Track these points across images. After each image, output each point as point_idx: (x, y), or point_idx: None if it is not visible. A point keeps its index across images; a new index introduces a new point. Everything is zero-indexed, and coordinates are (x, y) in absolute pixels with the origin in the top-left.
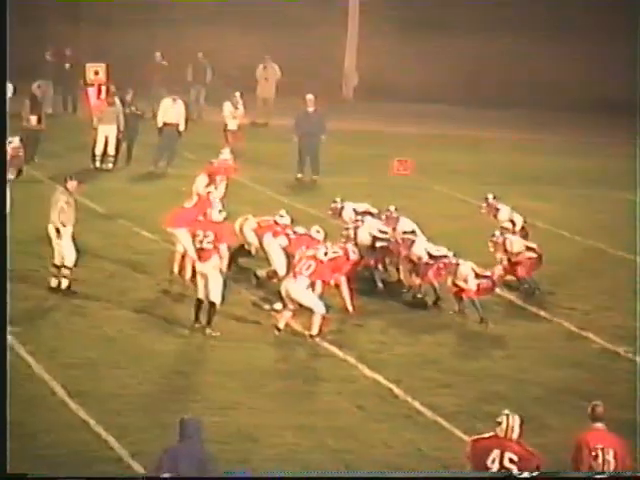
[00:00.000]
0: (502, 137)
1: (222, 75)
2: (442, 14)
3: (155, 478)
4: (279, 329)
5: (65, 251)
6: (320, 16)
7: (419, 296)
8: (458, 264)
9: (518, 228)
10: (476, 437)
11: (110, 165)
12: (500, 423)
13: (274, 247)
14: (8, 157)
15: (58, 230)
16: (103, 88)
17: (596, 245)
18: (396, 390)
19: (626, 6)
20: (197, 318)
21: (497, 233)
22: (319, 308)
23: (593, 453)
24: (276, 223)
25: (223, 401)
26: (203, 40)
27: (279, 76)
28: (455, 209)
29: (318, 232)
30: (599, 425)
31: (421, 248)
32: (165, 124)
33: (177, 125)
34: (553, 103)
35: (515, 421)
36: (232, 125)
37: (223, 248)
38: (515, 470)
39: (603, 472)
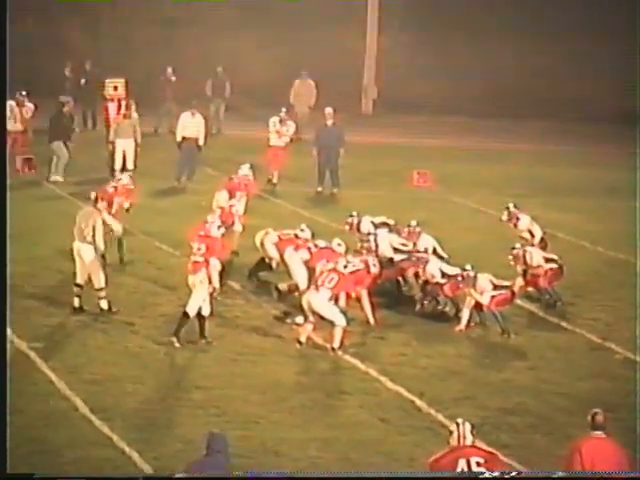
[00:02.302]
0: (522, 149)
1: (240, 90)
2: (461, 26)
3: (155, 478)
4: (301, 342)
5: (101, 272)
6: (338, 29)
7: (439, 308)
8: (476, 277)
9: (537, 240)
10: (434, 458)
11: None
12: (452, 432)
13: (295, 260)
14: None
15: (103, 256)
16: (123, 103)
17: (617, 256)
18: (419, 402)
19: None
20: (201, 333)
21: (517, 246)
22: (340, 321)
23: (587, 462)
24: (297, 237)
25: (245, 415)
26: (222, 54)
27: (315, 91)
28: (475, 221)
29: (339, 245)
30: (599, 433)
31: (435, 267)
32: (184, 138)
33: (196, 139)
34: (574, 114)
35: (466, 428)
36: (276, 142)
37: (213, 262)
38: (485, 471)
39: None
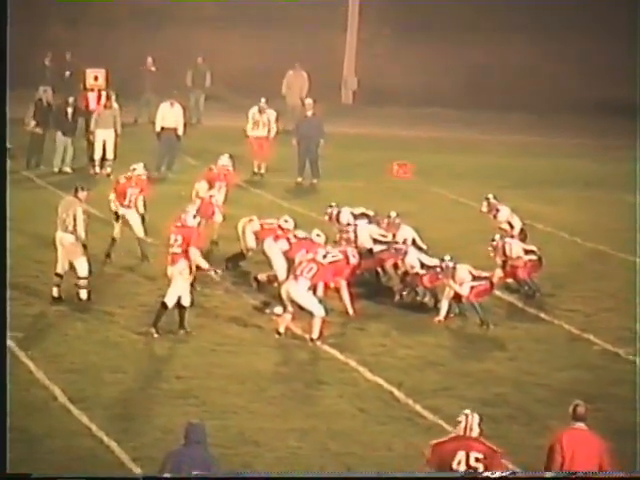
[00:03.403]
0: (502, 140)
1: (221, 80)
2: (441, 17)
3: (154, 478)
4: (279, 333)
5: (83, 262)
6: (319, 20)
7: (418, 299)
8: (455, 268)
9: (517, 231)
10: (436, 441)
11: (109, 169)
12: (460, 422)
13: (275, 251)
14: None
15: (85, 245)
16: (103, 93)
17: (597, 247)
18: (397, 393)
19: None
20: (181, 324)
21: (497, 237)
22: (319, 311)
23: (568, 453)
24: (280, 227)
25: (224, 405)
26: (202, 44)
27: (307, 83)
28: (455, 212)
29: (319, 236)
30: (580, 425)
31: (414, 258)
32: (163, 128)
33: (175, 129)
34: (553, 105)
35: (474, 420)
36: (257, 132)
37: (192, 252)
38: (481, 468)
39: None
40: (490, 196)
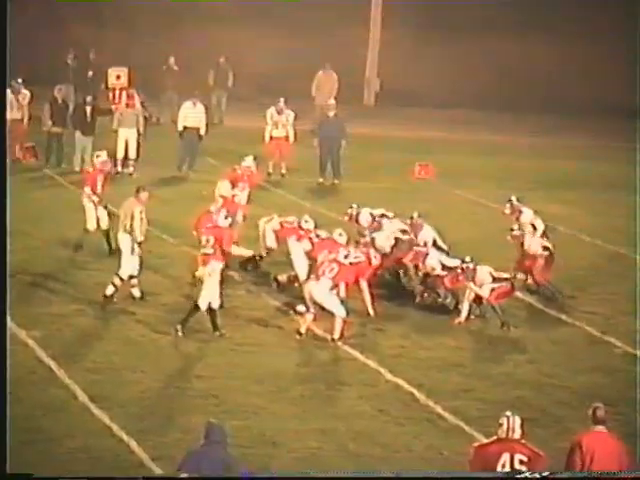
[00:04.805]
0: (523, 141)
1: (243, 80)
2: (462, 18)
3: (153, 478)
4: (300, 333)
5: (129, 263)
6: (342, 21)
7: (439, 300)
8: (475, 269)
9: (539, 233)
10: (479, 443)
11: (132, 169)
12: (501, 425)
13: (297, 251)
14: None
15: (140, 243)
16: (124, 92)
17: (617, 250)
18: (417, 394)
19: None
20: (214, 326)
21: (516, 227)
22: (340, 311)
23: (587, 456)
24: (300, 227)
25: (245, 405)
26: (225, 44)
27: (336, 84)
28: (476, 213)
29: (341, 235)
30: (600, 428)
31: (435, 260)
32: (185, 128)
33: (198, 129)
34: (574, 107)
35: (516, 422)
36: (275, 133)
37: (232, 250)
38: (525, 471)
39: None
40: (513, 198)
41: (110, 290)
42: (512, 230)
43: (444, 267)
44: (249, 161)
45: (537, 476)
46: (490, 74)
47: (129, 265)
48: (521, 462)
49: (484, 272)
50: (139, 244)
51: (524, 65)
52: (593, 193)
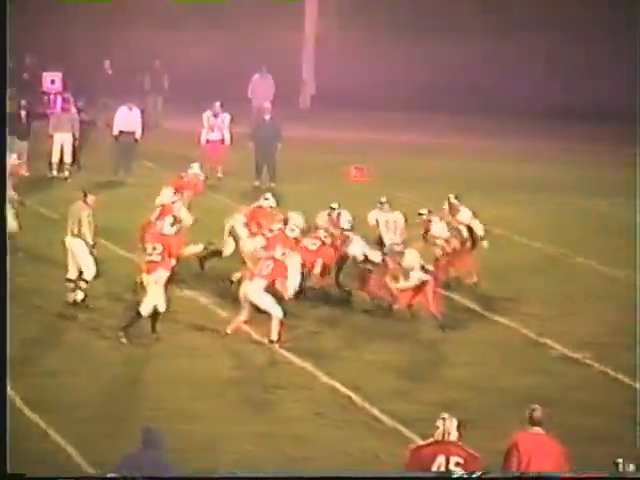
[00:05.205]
0: (459, 144)
1: (180, 84)
2: (399, 22)
3: (153, 478)
4: (227, 333)
5: (90, 264)
6: (277, 24)
7: (377, 303)
8: (403, 253)
9: (479, 236)
10: (415, 445)
11: (67, 173)
12: (438, 427)
13: (249, 248)
14: None
15: (93, 245)
16: (59, 97)
17: (555, 251)
18: (354, 397)
19: None
20: (153, 328)
21: (424, 211)
22: (277, 311)
23: (524, 457)
24: (261, 207)
25: (182, 410)
26: (160, 47)
27: (273, 87)
28: (411, 216)
29: (292, 230)
30: (537, 429)
31: (357, 248)
32: (121, 132)
33: (134, 133)
34: (512, 108)
35: (453, 424)
36: (211, 136)
37: (182, 253)
38: (459, 472)
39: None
40: (451, 196)
41: (80, 295)
42: (420, 214)
43: (367, 260)
44: (195, 168)
45: (469, 476)
46: (426, 75)
47: (90, 267)
48: (457, 464)
49: (412, 254)
50: (92, 247)
51: (462, 66)
52: (531, 194)
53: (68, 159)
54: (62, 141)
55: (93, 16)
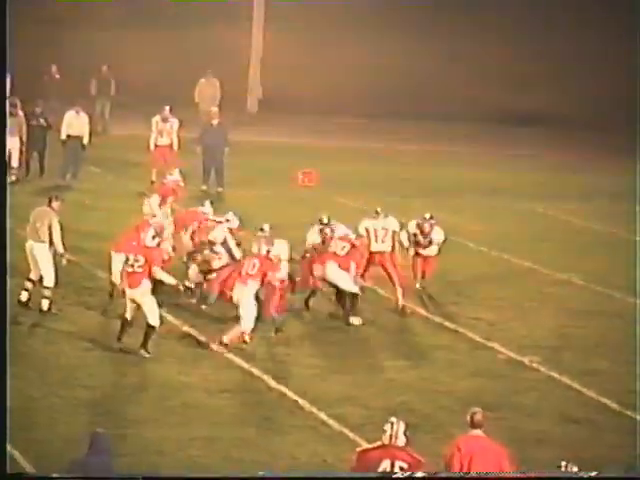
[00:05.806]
0: (407, 149)
1: (127, 89)
2: (347, 26)
3: (153, 478)
4: (226, 344)
5: (51, 271)
6: (224, 28)
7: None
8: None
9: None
10: (362, 448)
11: (13, 177)
12: (385, 431)
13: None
14: None
15: (62, 254)
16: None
17: (501, 256)
18: (301, 402)
19: None
20: (120, 337)
21: (325, 218)
22: (246, 324)
23: (466, 459)
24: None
25: (128, 414)
26: (107, 53)
27: (219, 91)
28: (355, 220)
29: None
30: (477, 432)
31: (219, 233)
32: (69, 136)
33: (81, 138)
34: (462, 114)
35: (400, 428)
36: (159, 141)
37: (156, 271)
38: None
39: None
40: (379, 209)
41: (45, 303)
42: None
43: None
44: (176, 174)
45: (410, 476)
46: (374, 79)
47: (52, 274)
48: (401, 468)
49: (282, 245)
50: (61, 255)
51: (409, 73)
52: (478, 200)
53: (15, 163)
54: (9, 146)
55: (40, 20)
